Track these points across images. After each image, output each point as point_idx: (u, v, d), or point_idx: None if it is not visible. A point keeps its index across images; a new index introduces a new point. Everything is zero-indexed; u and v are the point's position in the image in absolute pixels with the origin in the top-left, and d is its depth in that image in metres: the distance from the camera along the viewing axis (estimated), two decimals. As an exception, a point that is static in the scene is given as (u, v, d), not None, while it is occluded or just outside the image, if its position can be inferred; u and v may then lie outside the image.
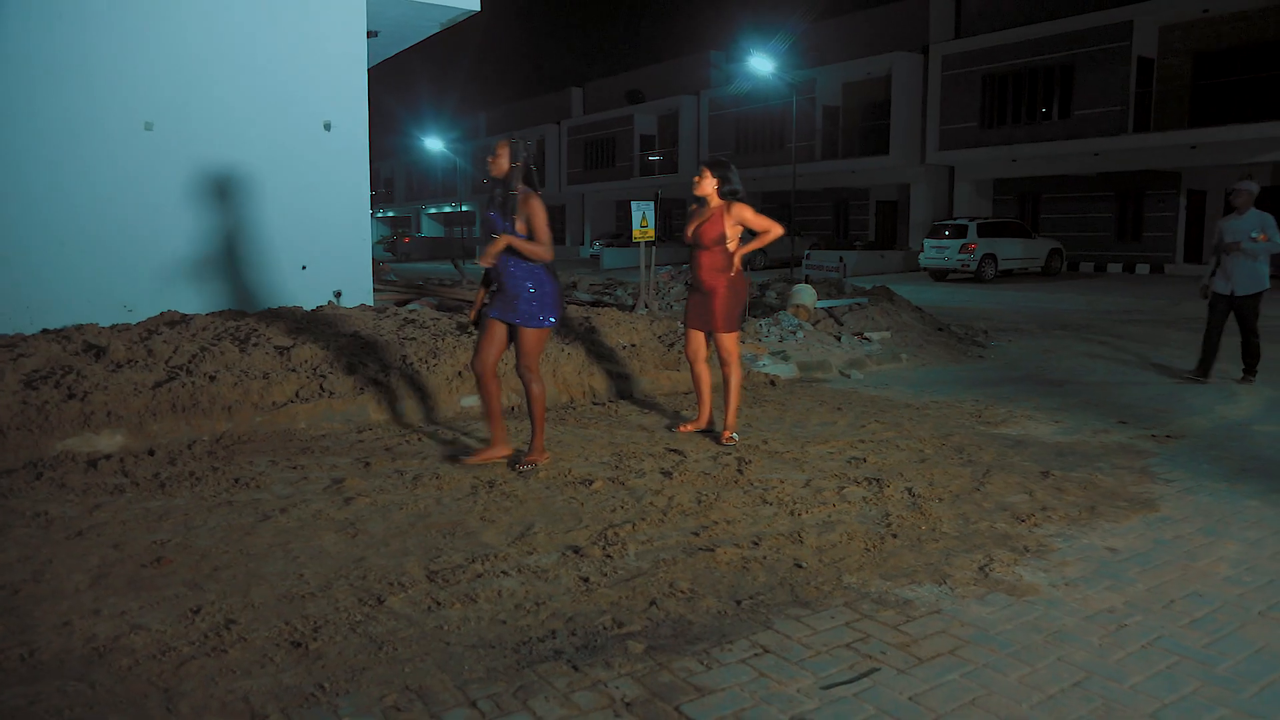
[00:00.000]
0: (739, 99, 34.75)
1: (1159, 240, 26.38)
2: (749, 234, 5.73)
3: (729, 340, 5.71)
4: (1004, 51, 26.78)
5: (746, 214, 5.61)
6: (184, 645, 2.86)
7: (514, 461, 5.05)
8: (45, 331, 6.90)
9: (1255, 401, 7.14)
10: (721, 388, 5.98)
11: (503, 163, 4.86)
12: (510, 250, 4.82)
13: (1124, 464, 5.20)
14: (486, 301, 5.05)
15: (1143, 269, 26.10)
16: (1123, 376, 8.44)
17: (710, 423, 5.96)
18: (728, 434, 5.70)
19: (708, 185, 5.66)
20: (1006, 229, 24.71)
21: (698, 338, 5.85)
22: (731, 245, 5.65)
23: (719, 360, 5.83)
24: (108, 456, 5.03)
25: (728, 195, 5.64)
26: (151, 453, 5.15)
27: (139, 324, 7.37)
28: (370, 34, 10.12)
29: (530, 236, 4.79)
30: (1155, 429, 6.13)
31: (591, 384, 7.03)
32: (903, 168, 30.27)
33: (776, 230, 5.60)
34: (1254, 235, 7.73)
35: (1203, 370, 8.11)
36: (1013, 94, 26.90)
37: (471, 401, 6.46)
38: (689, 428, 5.96)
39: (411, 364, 6.47)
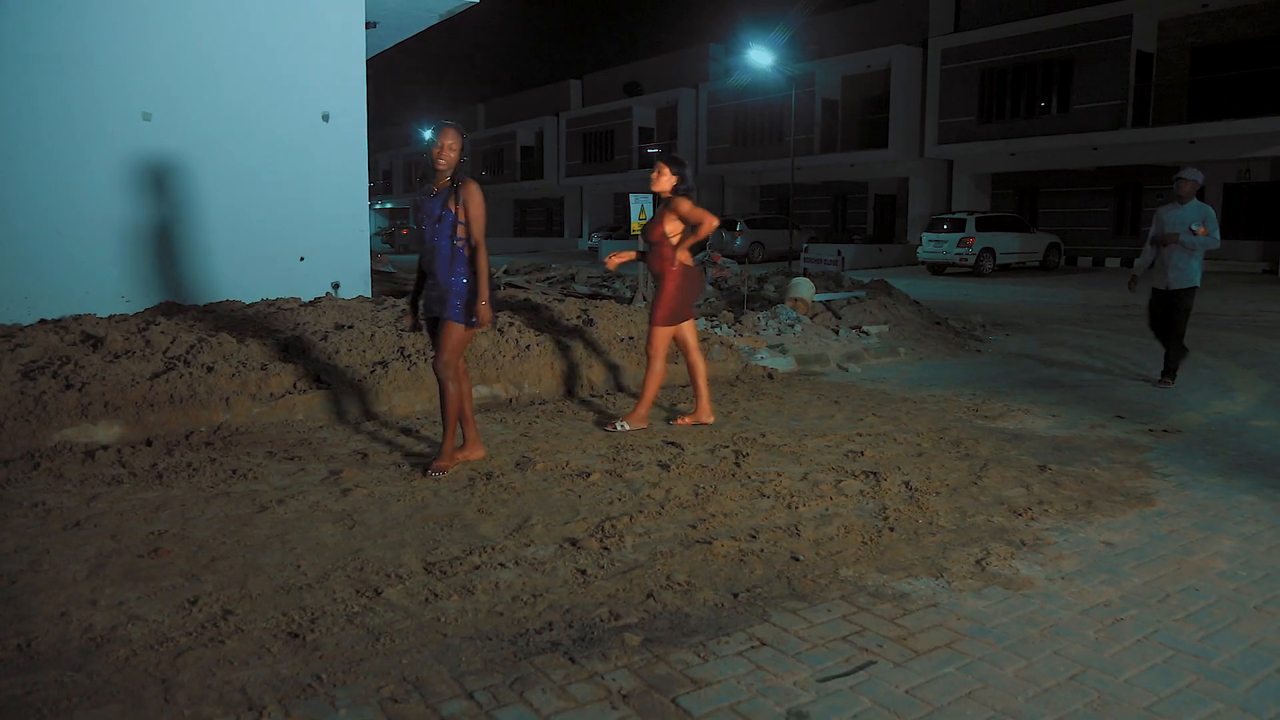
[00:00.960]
0: (738, 92, 34.67)
1: (1157, 235, 26.34)
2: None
3: (658, 335, 5.71)
4: (1003, 45, 26.74)
5: (683, 207, 5.61)
6: (181, 636, 2.86)
7: (427, 467, 4.78)
8: (43, 322, 6.89)
9: (1251, 397, 7.15)
10: (719, 379, 5.96)
11: (453, 153, 4.65)
12: (455, 253, 4.65)
13: (1120, 458, 5.20)
14: (421, 303, 4.87)
15: (1141, 264, 26.08)
16: (1120, 371, 8.45)
17: (709, 415, 5.97)
18: (616, 423, 5.76)
19: (665, 181, 5.67)
20: (1005, 223, 24.71)
21: (680, 331, 5.86)
22: (674, 239, 5.65)
23: (646, 351, 5.85)
24: (105, 447, 5.03)
25: (682, 192, 5.65)
26: (149, 443, 5.15)
27: (136, 314, 7.37)
28: (369, 25, 10.10)
29: (467, 223, 4.63)
30: (1152, 424, 6.14)
31: (590, 376, 7.03)
32: (901, 161, 30.26)
33: (710, 222, 5.57)
34: (1194, 228, 7.34)
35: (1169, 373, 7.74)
36: (1011, 88, 26.88)
37: (469, 393, 6.46)
38: (686, 420, 5.97)
39: (409, 356, 6.47)
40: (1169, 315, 7.60)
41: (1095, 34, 24.53)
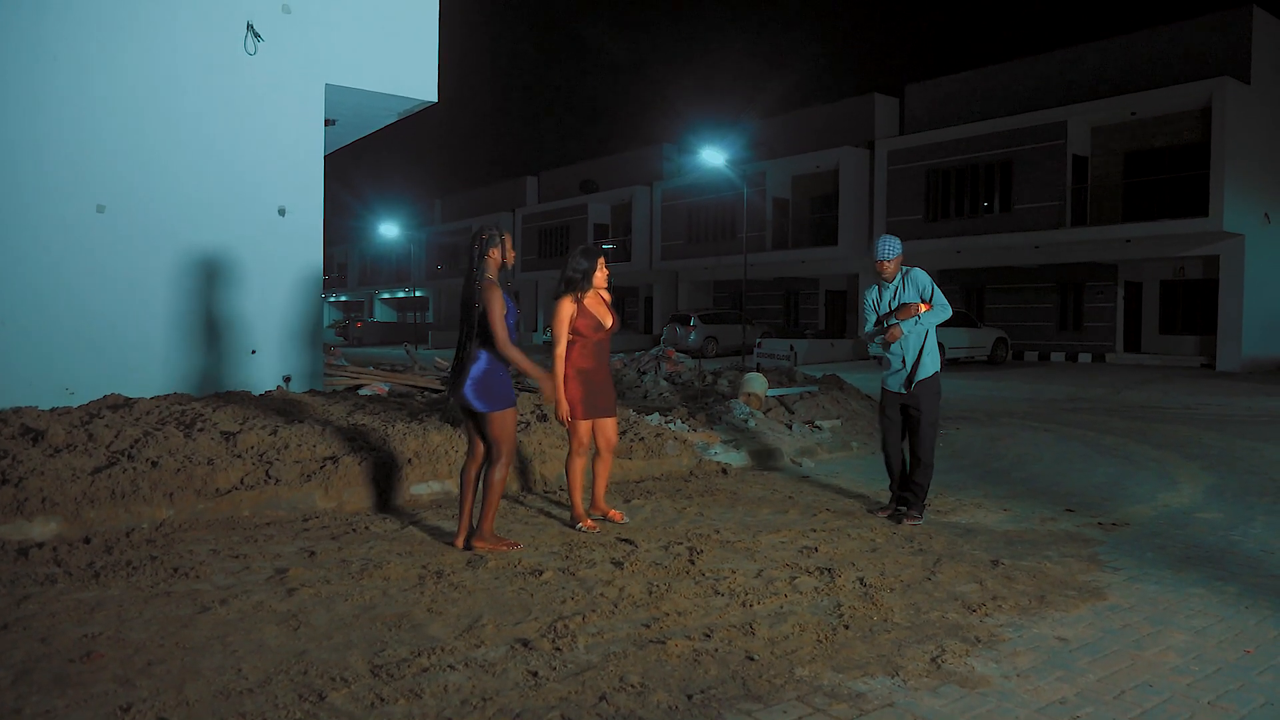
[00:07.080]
0: (691, 190, 35.47)
1: (1099, 330, 27.17)
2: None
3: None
4: (946, 148, 27.77)
5: None
6: (111, 747, 2.73)
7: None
8: (-19, 415, 6.71)
9: (1196, 489, 7.28)
10: (673, 475, 5.88)
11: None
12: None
13: (1072, 552, 5.24)
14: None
15: (1085, 358, 26.78)
16: (1068, 464, 8.57)
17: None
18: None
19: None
20: (953, 319, 25.22)
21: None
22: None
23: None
24: (40, 545, 4.86)
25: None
26: (88, 540, 4.98)
27: (80, 407, 7.20)
28: (328, 122, 10.23)
29: None
30: (1101, 517, 6.22)
31: (543, 472, 6.98)
32: (851, 258, 30.95)
33: None
34: (919, 306, 6.10)
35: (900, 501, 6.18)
36: (956, 188, 27.83)
37: (421, 489, 6.37)
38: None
39: (360, 451, 6.38)
40: (912, 421, 6.20)
41: (1032, 138, 25.60)
